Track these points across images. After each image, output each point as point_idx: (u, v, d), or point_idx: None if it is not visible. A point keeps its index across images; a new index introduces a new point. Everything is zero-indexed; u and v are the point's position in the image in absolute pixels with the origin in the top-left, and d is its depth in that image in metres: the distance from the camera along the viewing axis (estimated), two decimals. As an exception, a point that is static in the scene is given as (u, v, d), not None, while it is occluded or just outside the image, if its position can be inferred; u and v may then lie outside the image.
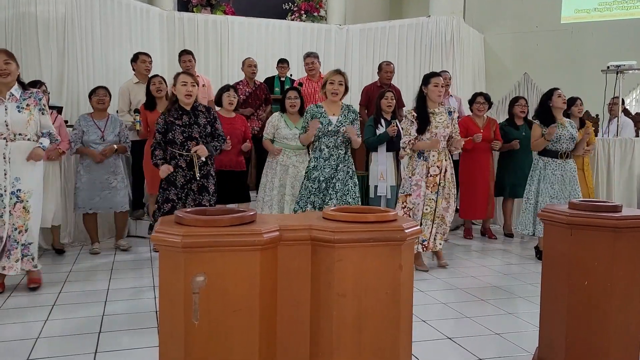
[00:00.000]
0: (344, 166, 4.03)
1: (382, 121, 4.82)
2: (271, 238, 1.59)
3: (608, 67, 6.09)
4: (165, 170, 3.82)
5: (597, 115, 7.00)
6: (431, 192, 4.12)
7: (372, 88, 6.01)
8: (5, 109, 3.43)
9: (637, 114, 7.92)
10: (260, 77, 6.28)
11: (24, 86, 3.58)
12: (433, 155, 4.12)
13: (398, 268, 1.68)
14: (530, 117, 5.40)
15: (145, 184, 5.20)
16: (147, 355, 2.59)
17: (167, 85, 4.99)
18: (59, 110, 5.02)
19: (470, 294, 3.66)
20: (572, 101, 5.10)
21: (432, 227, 4.16)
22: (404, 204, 4.15)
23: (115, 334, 2.87)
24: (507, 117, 5.72)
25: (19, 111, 3.46)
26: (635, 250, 2.16)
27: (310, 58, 6.04)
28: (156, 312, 3.19)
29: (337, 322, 1.65)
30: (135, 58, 5.49)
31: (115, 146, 4.69)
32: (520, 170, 5.36)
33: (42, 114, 3.60)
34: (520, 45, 9.27)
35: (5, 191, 3.45)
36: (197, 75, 5.64)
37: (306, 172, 4.08)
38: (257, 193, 5.14)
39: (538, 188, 4.59)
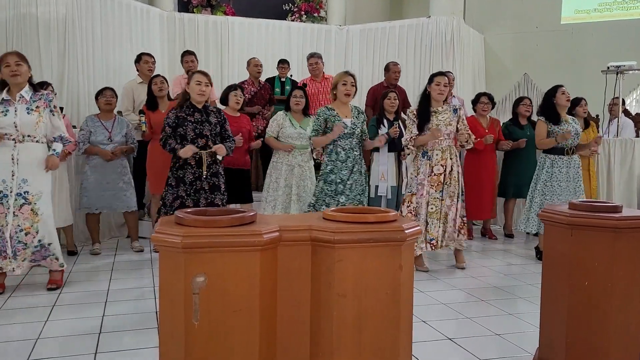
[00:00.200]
0: (359, 167, 4.11)
1: (385, 121, 4.83)
2: (271, 238, 1.60)
3: (608, 68, 6.09)
4: (188, 149, 3.80)
5: (597, 116, 7.00)
6: (435, 191, 4.12)
7: (379, 88, 6.00)
8: (15, 111, 3.46)
9: (637, 114, 7.93)
10: (264, 78, 6.29)
11: (35, 88, 3.60)
12: (437, 154, 4.12)
13: (398, 268, 1.69)
14: (533, 117, 5.42)
15: (147, 184, 5.20)
16: (148, 356, 2.59)
17: (168, 85, 5.00)
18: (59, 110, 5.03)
19: (470, 294, 3.66)
20: (576, 101, 5.12)
21: (439, 227, 4.15)
22: (409, 203, 4.16)
23: (116, 334, 2.87)
24: (509, 117, 5.73)
25: (28, 113, 3.48)
26: (635, 250, 2.16)
27: (314, 59, 6.04)
28: (156, 312, 3.19)
29: (338, 323, 1.65)
30: (139, 59, 5.53)
31: (124, 147, 4.75)
32: (525, 171, 5.38)
33: (53, 115, 3.61)
34: (520, 45, 9.28)
35: (11, 192, 3.46)
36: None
37: (321, 175, 4.06)
38: (259, 193, 5.14)
39: (544, 186, 4.59)
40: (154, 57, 5.57)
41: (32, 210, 3.50)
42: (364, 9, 9.24)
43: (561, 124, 4.54)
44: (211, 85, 3.98)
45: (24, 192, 3.49)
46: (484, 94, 5.56)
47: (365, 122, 4.23)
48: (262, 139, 4.90)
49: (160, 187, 4.73)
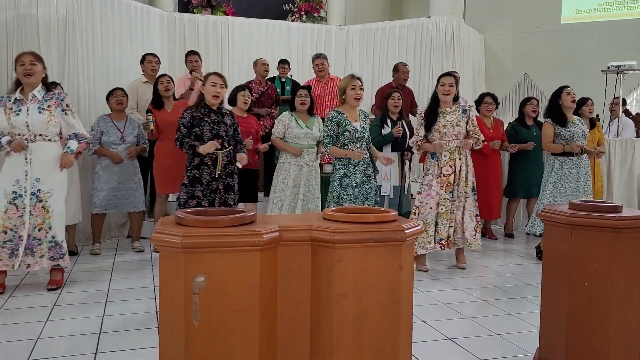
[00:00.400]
0: (371, 170, 4.14)
1: (389, 121, 4.83)
2: (271, 238, 1.60)
3: (608, 68, 6.09)
4: (210, 145, 3.82)
5: (597, 116, 7.00)
6: (445, 191, 4.13)
7: (387, 89, 6.01)
8: (27, 110, 3.49)
9: (637, 114, 7.93)
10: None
11: (48, 88, 3.63)
12: (445, 155, 4.14)
13: (398, 268, 1.69)
14: (539, 118, 5.45)
15: (152, 184, 5.20)
16: (148, 356, 2.59)
17: (174, 85, 4.99)
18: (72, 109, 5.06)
19: (470, 294, 3.66)
20: (583, 101, 5.14)
21: (448, 227, 4.15)
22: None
23: (116, 334, 2.87)
24: (509, 117, 5.74)
25: (39, 112, 3.51)
26: (635, 250, 2.16)
27: (320, 59, 6.04)
28: (156, 312, 3.19)
29: (338, 323, 1.65)
30: (143, 59, 5.56)
31: (138, 148, 4.79)
32: (532, 171, 5.40)
33: (66, 114, 3.63)
34: (520, 45, 9.27)
35: (25, 192, 3.51)
36: (204, 76, 5.66)
37: (334, 180, 4.05)
38: (263, 194, 5.15)
39: (553, 188, 4.60)
40: (158, 57, 5.58)
41: (43, 207, 3.56)
42: (364, 9, 9.24)
43: (568, 125, 4.55)
44: (226, 87, 4.01)
45: (37, 191, 3.54)
46: (488, 94, 5.56)
47: (369, 125, 4.24)
48: (269, 142, 4.89)
49: (166, 187, 4.75)
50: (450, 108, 4.18)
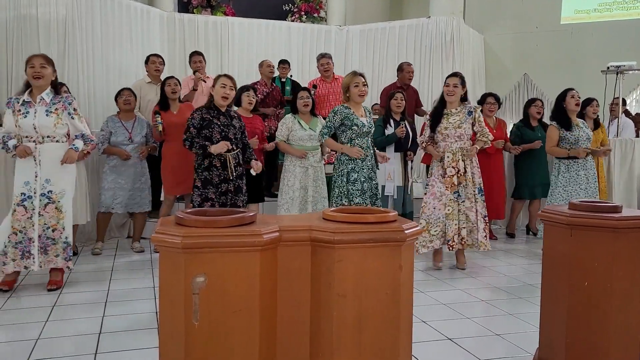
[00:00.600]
0: (375, 166, 4.18)
1: (392, 121, 4.84)
2: (271, 239, 1.60)
3: (608, 68, 6.09)
4: (222, 145, 3.83)
5: (597, 116, 7.01)
6: (450, 192, 4.14)
7: (392, 89, 6.02)
8: (35, 113, 3.52)
9: (637, 114, 7.93)
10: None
11: (57, 91, 3.65)
12: (448, 156, 4.17)
13: (398, 268, 1.69)
14: (544, 119, 5.48)
15: (155, 185, 5.19)
16: (148, 356, 2.59)
17: (181, 87, 5.00)
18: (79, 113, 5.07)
19: (470, 295, 3.66)
20: (588, 101, 5.16)
21: (456, 227, 4.16)
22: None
23: (116, 334, 2.87)
24: (509, 117, 5.76)
25: (46, 115, 3.53)
26: (635, 250, 2.16)
27: (325, 59, 6.05)
28: (156, 312, 3.19)
29: (338, 323, 1.65)
30: (147, 60, 5.57)
31: (148, 147, 4.81)
32: (537, 172, 5.42)
33: (72, 118, 3.65)
34: (520, 45, 9.28)
35: (35, 193, 3.53)
36: (207, 77, 5.67)
37: (341, 176, 4.05)
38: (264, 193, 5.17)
39: (565, 191, 4.62)
40: (161, 58, 5.58)
41: (56, 208, 3.59)
42: (363, 9, 9.24)
43: (572, 128, 4.57)
44: (235, 89, 4.02)
45: (48, 192, 3.56)
46: (490, 94, 5.57)
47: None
48: (275, 141, 4.89)
49: (174, 189, 4.75)
50: (456, 109, 4.20)
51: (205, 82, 5.58)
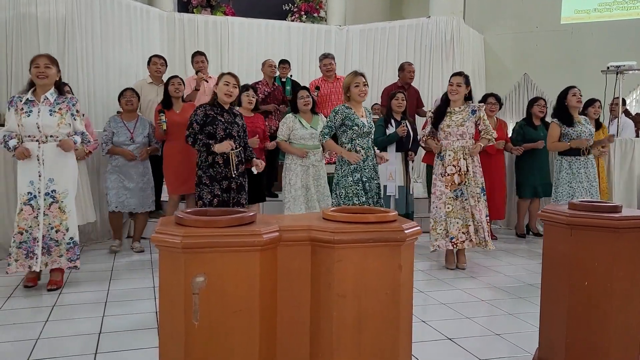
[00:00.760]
0: (377, 166, 4.20)
1: (392, 121, 4.84)
2: (271, 239, 1.59)
3: (608, 68, 6.09)
4: (226, 144, 3.84)
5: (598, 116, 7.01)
6: (450, 191, 4.16)
7: (393, 89, 6.02)
8: (38, 112, 3.52)
9: (637, 114, 7.93)
10: (261, 78, 6.29)
11: (61, 91, 3.65)
12: (449, 155, 4.18)
13: (398, 268, 1.68)
14: (544, 118, 5.49)
15: (156, 185, 5.18)
16: (148, 356, 2.59)
17: (184, 87, 5.00)
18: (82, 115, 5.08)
19: (470, 294, 3.66)
20: (590, 102, 5.19)
21: (459, 226, 4.16)
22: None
23: (116, 334, 2.87)
24: (509, 117, 5.76)
25: (50, 114, 3.53)
26: (635, 250, 2.16)
27: (328, 59, 6.06)
28: (156, 312, 3.19)
29: (337, 323, 1.65)
30: (149, 61, 5.57)
31: (149, 148, 4.81)
32: (539, 171, 5.43)
33: (74, 119, 3.66)
34: (520, 45, 9.28)
35: (39, 192, 3.53)
36: (209, 76, 5.67)
37: (344, 177, 4.06)
38: (266, 193, 5.18)
39: (570, 187, 4.63)
40: (163, 59, 5.56)
41: (59, 208, 3.59)
42: (363, 9, 9.24)
43: (574, 125, 4.59)
44: (239, 87, 4.04)
45: (52, 191, 3.57)
46: (491, 94, 5.58)
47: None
48: (276, 140, 4.89)
49: (178, 188, 4.75)
50: (459, 108, 4.22)
51: (207, 82, 5.58)
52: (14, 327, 2.97)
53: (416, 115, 6.14)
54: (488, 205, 4.34)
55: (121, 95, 4.88)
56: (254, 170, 4.06)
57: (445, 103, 4.27)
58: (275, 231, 1.62)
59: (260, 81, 6.04)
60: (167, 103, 4.80)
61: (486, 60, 9.25)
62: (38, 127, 3.50)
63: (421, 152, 5.70)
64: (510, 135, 5.74)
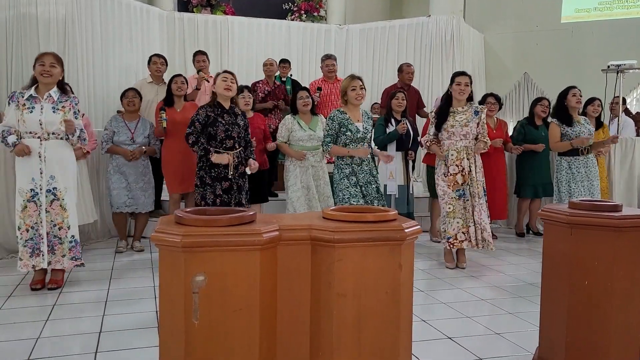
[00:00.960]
0: (376, 171, 4.21)
1: (393, 121, 4.84)
2: (271, 238, 1.59)
3: (608, 67, 6.09)
4: (224, 157, 3.87)
5: (599, 115, 7.01)
6: (452, 190, 4.16)
7: (392, 89, 6.01)
8: (41, 109, 3.52)
9: (637, 113, 7.93)
10: (261, 78, 6.29)
11: (63, 90, 3.65)
12: (452, 154, 4.18)
13: (398, 268, 1.68)
14: (546, 118, 5.49)
15: (157, 185, 5.18)
16: (148, 356, 2.59)
17: (187, 86, 5.00)
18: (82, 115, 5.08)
19: (470, 294, 3.66)
20: (590, 101, 5.19)
21: (459, 226, 4.17)
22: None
23: (116, 334, 2.87)
24: (508, 116, 5.76)
25: (53, 112, 3.54)
26: (635, 249, 2.16)
27: (331, 60, 6.07)
28: (156, 312, 3.19)
29: (337, 322, 1.65)
30: (149, 60, 5.57)
31: (144, 148, 4.78)
32: (539, 171, 5.43)
33: (76, 118, 3.66)
34: (521, 45, 9.27)
35: (41, 189, 3.54)
36: (211, 76, 5.66)
37: (341, 180, 4.08)
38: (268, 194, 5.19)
39: (569, 187, 4.64)
40: (163, 58, 5.55)
41: (60, 205, 3.60)
42: (363, 9, 9.24)
43: (574, 125, 4.59)
44: (237, 84, 4.04)
45: (53, 189, 3.57)
46: (491, 94, 5.57)
47: (372, 126, 4.29)
48: (275, 142, 4.89)
49: (178, 187, 4.75)
50: (462, 108, 4.21)
51: (208, 81, 5.58)
52: (15, 326, 2.97)
53: (417, 116, 6.15)
54: (489, 205, 4.34)
55: (123, 95, 4.87)
56: (247, 171, 4.06)
57: (447, 103, 4.26)
58: (275, 230, 1.62)
59: (261, 80, 6.05)
60: (168, 101, 4.80)
61: (486, 60, 9.25)
62: (40, 124, 3.50)
63: (421, 151, 5.70)
64: (510, 134, 5.74)
